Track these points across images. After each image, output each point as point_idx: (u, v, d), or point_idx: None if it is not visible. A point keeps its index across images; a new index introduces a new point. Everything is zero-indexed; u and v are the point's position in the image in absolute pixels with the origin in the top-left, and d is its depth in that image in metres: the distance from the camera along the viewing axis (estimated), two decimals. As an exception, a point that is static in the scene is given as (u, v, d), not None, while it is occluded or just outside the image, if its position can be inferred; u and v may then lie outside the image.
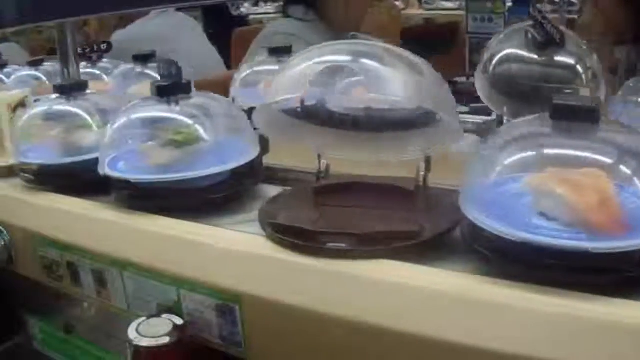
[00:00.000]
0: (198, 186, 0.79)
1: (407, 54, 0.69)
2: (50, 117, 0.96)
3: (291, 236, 0.66)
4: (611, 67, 1.67)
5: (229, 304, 0.69)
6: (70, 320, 0.97)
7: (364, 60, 0.66)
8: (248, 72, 1.15)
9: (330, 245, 0.65)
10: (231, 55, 2.56)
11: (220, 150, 0.81)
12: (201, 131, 0.82)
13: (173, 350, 0.68)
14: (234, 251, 0.70)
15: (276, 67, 1.08)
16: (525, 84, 0.89)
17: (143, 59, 1.28)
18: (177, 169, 0.79)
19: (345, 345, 0.62)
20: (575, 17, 2.05)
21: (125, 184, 0.80)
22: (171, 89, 0.83)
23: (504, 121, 0.89)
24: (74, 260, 0.84)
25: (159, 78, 0.85)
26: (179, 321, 0.71)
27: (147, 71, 1.25)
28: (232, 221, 0.76)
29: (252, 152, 0.83)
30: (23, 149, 0.95)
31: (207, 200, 0.79)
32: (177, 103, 0.83)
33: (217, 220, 0.77)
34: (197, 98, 0.85)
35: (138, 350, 0.68)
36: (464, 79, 2.47)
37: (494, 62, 0.92)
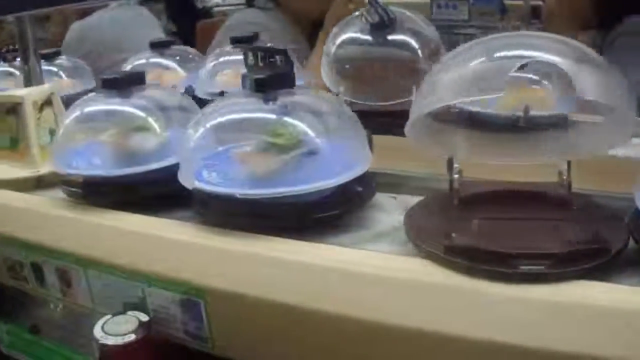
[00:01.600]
0: (307, 200, 0.68)
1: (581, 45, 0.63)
2: (102, 118, 0.85)
3: (471, 259, 0.57)
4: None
5: (193, 298, 0.68)
6: (36, 321, 0.96)
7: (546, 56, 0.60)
8: (213, 62, 1.13)
9: (525, 268, 0.55)
10: (197, 48, 2.53)
11: (331, 156, 0.70)
12: (309, 133, 0.71)
13: (139, 347, 0.68)
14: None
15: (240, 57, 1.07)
16: (358, 64, 0.98)
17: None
18: (284, 180, 0.68)
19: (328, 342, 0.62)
20: (541, 2, 2.07)
21: (224, 199, 0.69)
22: (271, 81, 0.71)
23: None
24: (38, 260, 0.82)
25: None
26: (144, 318, 0.71)
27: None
28: (355, 239, 0.68)
29: (365, 160, 0.72)
30: (67, 157, 0.82)
31: (322, 218, 0.69)
32: (274, 99, 0.72)
33: (332, 239, 0.67)
34: (301, 95, 0.74)
35: (104, 349, 0.68)
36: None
37: (334, 45, 0.99)
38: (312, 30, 1.71)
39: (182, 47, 1.30)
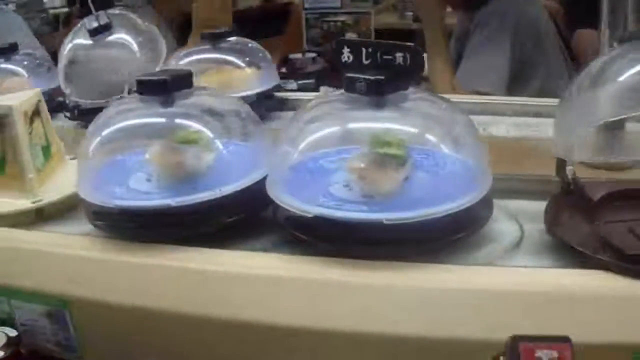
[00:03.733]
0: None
1: None
2: (135, 133, 0.70)
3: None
4: (448, 33, 1.75)
5: (59, 309, 0.66)
6: None
7: None
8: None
9: None
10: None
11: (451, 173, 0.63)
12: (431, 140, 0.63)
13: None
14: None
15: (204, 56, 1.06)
16: (81, 66, 1.08)
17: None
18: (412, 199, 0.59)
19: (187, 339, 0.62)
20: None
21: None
22: (384, 84, 0.61)
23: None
24: None
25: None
26: (12, 333, 0.67)
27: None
28: (479, 258, 0.62)
29: (487, 177, 0.63)
30: (95, 183, 0.68)
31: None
32: (383, 103, 0.62)
33: (462, 259, 0.61)
34: (413, 99, 0.64)
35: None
36: (299, 56, 2.47)
37: (65, 50, 1.09)
38: (181, 28, 1.70)
39: (30, 52, 1.24)
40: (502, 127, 0.90)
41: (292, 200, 0.61)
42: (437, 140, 0.64)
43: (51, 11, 3.08)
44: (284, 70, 2.25)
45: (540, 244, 0.64)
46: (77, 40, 1.10)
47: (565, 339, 0.45)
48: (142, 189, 0.66)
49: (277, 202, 0.62)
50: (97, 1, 1.26)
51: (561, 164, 0.66)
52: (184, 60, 1.04)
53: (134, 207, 0.64)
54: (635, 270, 0.55)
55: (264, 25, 2.63)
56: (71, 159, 0.84)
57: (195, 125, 0.68)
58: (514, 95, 1.48)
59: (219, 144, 0.68)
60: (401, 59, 0.61)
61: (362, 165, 0.62)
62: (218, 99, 0.73)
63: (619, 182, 0.67)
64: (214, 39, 1.06)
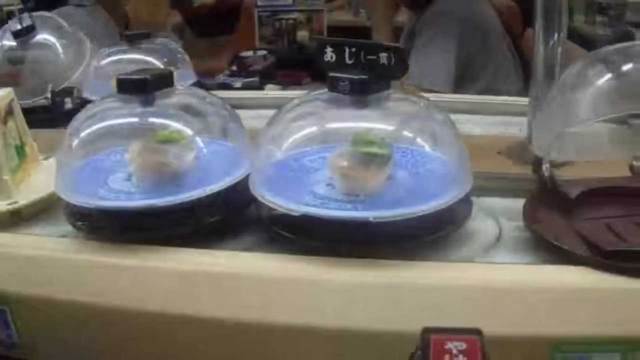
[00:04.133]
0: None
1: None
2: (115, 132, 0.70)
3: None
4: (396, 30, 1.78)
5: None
6: None
7: None
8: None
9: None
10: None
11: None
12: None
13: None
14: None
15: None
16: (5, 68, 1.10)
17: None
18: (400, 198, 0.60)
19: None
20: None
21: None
22: (371, 83, 0.62)
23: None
24: None
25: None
26: None
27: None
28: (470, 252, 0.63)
29: (468, 175, 0.64)
30: (75, 183, 0.66)
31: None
32: (366, 103, 0.62)
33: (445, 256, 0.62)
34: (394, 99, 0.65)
35: None
36: (250, 53, 2.47)
37: None
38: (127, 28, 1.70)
39: None
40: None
41: (277, 199, 0.61)
42: (419, 139, 0.65)
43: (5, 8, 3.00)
44: (234, 68, 2.23)
45: (518, 241, 0.65)
46: (1, 42, 1.14)
47: (476, 332, 0.47)
48: (123, 189, 0.65)
49: (262, 200, 0.62)
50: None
51: (538, 162, 0.68)
52: (104, 61, 1.08)
53: (117, 208, 0.63)
54: (615, 265, 0.57)
55: (217, 23, 2.62)
56: (44, 158, 0.82)
57: (175, 124, 0.68)
58: (460, 92, 1.51)
59: (199, 142, 0.68)
60: (385, 59, 0.62)
61: (345, 163, 0.62)
62: (198, 98, 0.72)
63: (594, 180, 0.69)
64: (133, 40, 1.10)
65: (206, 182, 0.65)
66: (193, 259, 0.62)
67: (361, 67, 0.63)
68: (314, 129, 0.66)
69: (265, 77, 2.10)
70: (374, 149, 0.62)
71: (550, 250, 0.61)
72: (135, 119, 0.69)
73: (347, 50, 0.63)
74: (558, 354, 0.55)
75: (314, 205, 0.59)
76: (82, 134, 0.68)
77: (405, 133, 0.65)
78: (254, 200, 0.64)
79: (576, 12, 2.36)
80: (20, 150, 0.75)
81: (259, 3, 2.58)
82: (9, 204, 0.71)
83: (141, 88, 0.67)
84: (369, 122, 0.64)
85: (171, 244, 0.64)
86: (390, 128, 0.65)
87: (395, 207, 0.59)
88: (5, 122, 0.73)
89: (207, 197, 0.64)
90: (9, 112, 0.75)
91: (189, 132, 0.68)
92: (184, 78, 1.11)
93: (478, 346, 0.46)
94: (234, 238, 0.66)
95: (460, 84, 1.58)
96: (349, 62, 0.64)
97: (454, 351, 0.45)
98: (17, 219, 0.71)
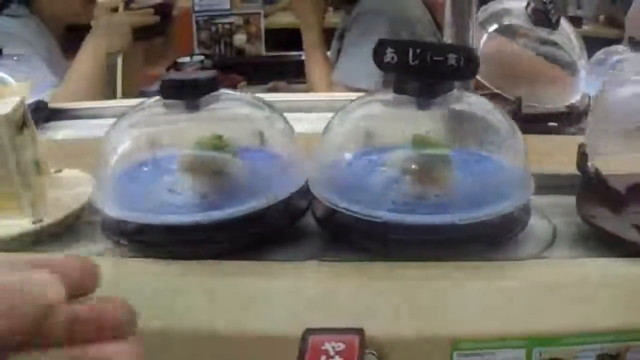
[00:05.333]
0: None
1: None
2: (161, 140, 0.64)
3: None
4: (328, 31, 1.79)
5: None
6: None
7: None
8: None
9: None
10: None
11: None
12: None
13: None
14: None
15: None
16: None
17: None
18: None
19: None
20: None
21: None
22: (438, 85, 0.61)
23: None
24: None
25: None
26: None
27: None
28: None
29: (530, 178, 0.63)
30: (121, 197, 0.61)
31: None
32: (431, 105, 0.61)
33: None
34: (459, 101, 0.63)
35: None
36: (187, 59, 2.41)
37: None
38: (65, 35, 1.67)
39: None
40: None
41: (355, 206, 0.58)
42: (484, 142, 0.64)
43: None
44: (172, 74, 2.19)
45: (574, 237, 0.65)
46: None
47: (357, 331, 0.47)
48: (175, 202, 0.61)
49: (337, 209, 0.59)
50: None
51: (583, 158, 0.68)
52: None
53: (181, 223, 0.59)
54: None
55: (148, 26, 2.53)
56: (54, 172, 0.76)
57: (226, 131, 0.64)
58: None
59: (252, 151, 0.65)
60: (454, 60, 0.60)
61: (414, 166, 0.61)
62: (247, 103, 0.68)
63: (635, 174, 0.71)
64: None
65: (266, 191, 0.61)
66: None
67: (427, 69, 0.61)
68: (379, 130, 0.64)
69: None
70: (440, 151, 0.61)
71: (608, 244, 0.61)
72: (182, 125, 0.64)
73: (411, 51, 0.62)
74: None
75: (397, 212, 0.57)
76: (125, 143, 0.63)
77: (471, 135, 0.64)
78: (317, 206, 0.61)
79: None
80: (36, 165, 0.69)
81: (196, 8, 2.53)
82: (34, 222, 0.65)
83: (188, 92, 0.62)
84: (433, 124, 0.63)
85: (231, 257, 0.60)
86: (455, 130, 0.63)
87: (474, 209, 0.58)
88: (22, 131, 0.67)
89: (274, 205, 0.60)
90: (25, 123, 0.68)
91: (240, 138, 0.64)
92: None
93: (356, 347, 0.46)
94: (293, 247, 0.63)
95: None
96: (412, 63, 0.62)
97: (331, 352, 0.46)
98: (45, 238, 0.65)
